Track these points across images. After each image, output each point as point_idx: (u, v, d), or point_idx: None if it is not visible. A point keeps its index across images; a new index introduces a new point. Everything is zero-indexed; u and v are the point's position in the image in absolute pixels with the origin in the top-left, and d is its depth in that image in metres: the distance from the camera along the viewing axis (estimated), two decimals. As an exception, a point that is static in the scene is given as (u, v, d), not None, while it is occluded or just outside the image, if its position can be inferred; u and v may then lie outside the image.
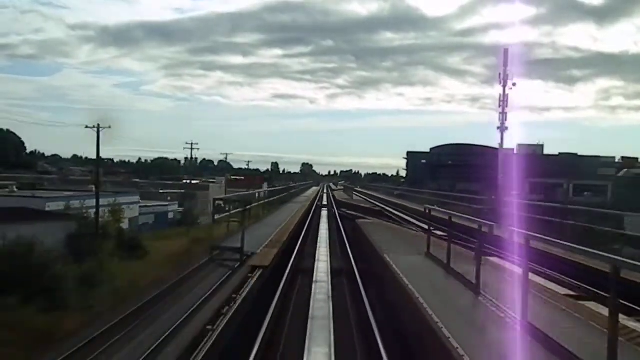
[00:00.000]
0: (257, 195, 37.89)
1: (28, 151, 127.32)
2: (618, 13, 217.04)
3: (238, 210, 21.51)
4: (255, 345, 9.68)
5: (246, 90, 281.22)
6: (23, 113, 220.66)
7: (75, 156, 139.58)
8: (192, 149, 75.98)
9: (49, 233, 23.51)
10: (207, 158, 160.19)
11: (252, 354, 9.25)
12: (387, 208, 46.58)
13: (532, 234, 8.24)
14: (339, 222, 35.29)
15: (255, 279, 14.75)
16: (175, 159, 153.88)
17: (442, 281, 12.13)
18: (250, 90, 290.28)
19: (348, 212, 42.17)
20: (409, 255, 15.59)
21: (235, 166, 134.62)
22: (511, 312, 8.51)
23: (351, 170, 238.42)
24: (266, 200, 39.17)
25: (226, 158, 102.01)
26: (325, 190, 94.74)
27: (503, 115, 36.52)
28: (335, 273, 17.19)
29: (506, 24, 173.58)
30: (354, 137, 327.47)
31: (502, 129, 36.22)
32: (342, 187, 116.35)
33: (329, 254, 21.04)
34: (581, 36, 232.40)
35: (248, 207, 23.83)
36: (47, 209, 35.59)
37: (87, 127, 39.25)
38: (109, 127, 39.74)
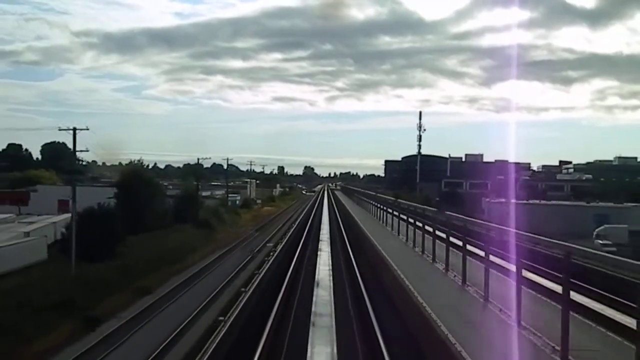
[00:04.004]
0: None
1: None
2: (610, 15, 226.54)
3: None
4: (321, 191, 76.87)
5: (246, 94, 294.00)
6: (24, 118, 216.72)
7: (94, 162, 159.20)
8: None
9: (212, 205, 62.67)
10: (216, 162, 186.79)
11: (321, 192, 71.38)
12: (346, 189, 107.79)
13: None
14: (329, 191, 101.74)
15: (315, 192, 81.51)
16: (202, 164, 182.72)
17: (350, 202, 71.29)
18: (250, 94, 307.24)
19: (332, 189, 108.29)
20: (340, 191, 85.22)
21: (242, 169, 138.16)
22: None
23: (349, 172, 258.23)
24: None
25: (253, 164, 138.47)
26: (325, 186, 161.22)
27: (420, 146, 78.48)
28: (329, 194, 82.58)
29: (501, 27, 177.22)
30: (354, 139, 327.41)
31: (419, 155, 76.87)
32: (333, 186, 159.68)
33: (327, 194, 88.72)
34: (575, 38, 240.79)
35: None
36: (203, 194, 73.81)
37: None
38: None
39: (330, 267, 21.60)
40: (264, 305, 17.15)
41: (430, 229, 17.37)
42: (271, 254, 29.92)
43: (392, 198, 37.41)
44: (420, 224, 18.73)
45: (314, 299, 15.67)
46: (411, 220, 20.86)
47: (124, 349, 19.37)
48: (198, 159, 65.03)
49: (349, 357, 11.21)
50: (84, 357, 18.31)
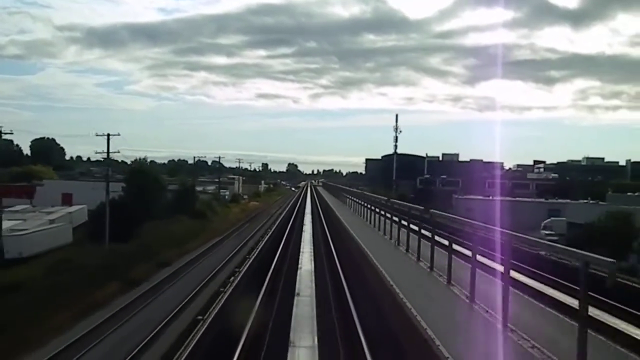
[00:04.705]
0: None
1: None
2: (592, 16, 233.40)
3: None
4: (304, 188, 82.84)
5: (230, 90, 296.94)
6: (7, 112, 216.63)
7: (79, 157, 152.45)
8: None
9: (205, 199, 69.90)
10: (201, 159, 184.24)
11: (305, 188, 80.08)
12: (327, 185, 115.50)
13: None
14: (312, 186, 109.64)
15: (301, 188, 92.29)
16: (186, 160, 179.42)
17: (332, 197, 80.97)
18: (234, 90, 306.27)
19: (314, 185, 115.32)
20: (320, 187, 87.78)
21: (226, 165, 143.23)
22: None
23: (332, 169, 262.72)
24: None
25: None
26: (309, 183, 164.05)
27: (396, 147, 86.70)
28: (312, 190, 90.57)
29: (485, 26, 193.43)
30: (338, 136, 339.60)
31: (395, 154, 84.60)
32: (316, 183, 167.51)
33: (311, 188, 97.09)
34: (558, 38, 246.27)
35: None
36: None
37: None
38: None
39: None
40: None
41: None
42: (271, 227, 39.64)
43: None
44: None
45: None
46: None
47: (164, 296, 26.64)
48: (194, 157, 72.08)
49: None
50: (136, 302, 25.47)
